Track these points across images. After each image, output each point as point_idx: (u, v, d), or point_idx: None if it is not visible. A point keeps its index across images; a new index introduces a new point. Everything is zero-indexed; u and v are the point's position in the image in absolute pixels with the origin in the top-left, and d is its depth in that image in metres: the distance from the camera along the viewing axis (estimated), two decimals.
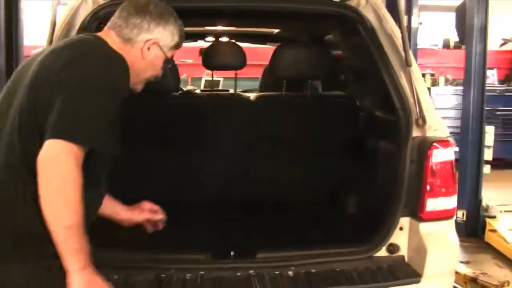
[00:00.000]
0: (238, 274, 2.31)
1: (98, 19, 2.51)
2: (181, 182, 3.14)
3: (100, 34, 1.90)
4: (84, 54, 1.73)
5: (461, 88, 6.89)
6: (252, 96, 3.46)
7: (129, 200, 2.20)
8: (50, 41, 2.38)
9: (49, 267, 1.59)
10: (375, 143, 2.91)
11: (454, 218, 2.53)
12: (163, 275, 2.25)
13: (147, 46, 1.88)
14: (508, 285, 3.90)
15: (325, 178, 3.12)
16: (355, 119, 3.22)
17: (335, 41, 3.97)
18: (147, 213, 2.23)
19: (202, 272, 2.29)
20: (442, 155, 2.43)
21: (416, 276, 2.34)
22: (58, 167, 1.52)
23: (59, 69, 1.64)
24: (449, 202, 2.46)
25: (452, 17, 8.58)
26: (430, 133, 2.49)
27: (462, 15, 5.26)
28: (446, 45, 9.05)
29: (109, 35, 1.86)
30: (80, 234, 1.54)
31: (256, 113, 3.26)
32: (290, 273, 2.33)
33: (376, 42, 2.64)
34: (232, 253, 2.44)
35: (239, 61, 3.24)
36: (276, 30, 4.49)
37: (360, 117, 3.22)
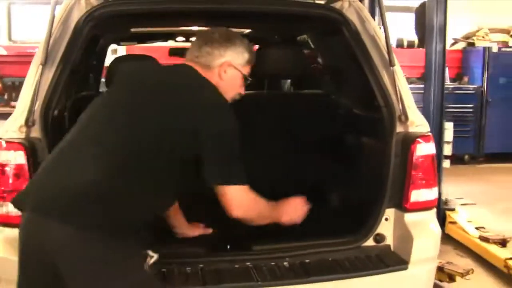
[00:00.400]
0: (236, 266, 2.42)
1: (92, 20, 2.57)
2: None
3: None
4: (212, 99, 2.10)
5: (415, 86, 7.23)
6: None
7: None
8: (48, 40, 2.41)
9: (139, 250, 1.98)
10: (359, 139, 3.06)
11: (435, 208, 2.70)
12: (164, 270, 2.33)
13: (223, 69, 2.20)
14: (472, 273, 4.14)
15: (310, 173, 3.25)
16: (336, 116, 3.37)
17: (305, 41, 4.13)
18: (200, 230, 2.68)
19: (201, 265, 2.39)
20: (424, 149, 2.61)
21: (403, 263, 2.50)
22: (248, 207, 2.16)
23: (197, 111, 2.02)
24: (431, 193, 2.64)
25: (404, 17, 9.00)
26: (412, 129, 2.67)
27: (421, 15, 5.50)
28: (400, 45, 9.38)
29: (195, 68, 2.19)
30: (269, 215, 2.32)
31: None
32: (286, 263, 2.46)
33: (360, 43, 2.79)
34: (228, 247, 2.54)
35: None
36: (247, 30, 4.59)
37: (341, 115, 3.36)
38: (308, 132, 3.30)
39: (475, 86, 8.90)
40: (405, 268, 2.49)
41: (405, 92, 2.71)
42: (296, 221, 2.45)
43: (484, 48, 8.91)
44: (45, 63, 2.42)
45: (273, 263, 2.45)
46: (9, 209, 2.30)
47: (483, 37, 9.27)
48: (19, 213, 2.19)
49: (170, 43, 5.55)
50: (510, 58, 9.14)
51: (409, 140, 2.60)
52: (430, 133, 2.68)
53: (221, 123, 2.05)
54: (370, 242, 2.62)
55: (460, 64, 9.37)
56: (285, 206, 2.42)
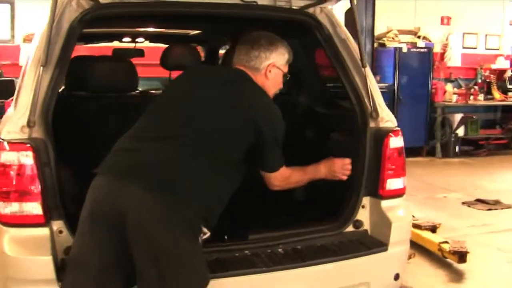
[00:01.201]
0: (237, 254, 2.61)
1: (85, 22, 2.64)
2: None
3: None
4: (267, 102, 2.52)
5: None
6: None
7: None
8: (49, 41, 2.47)
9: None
10: (335, 134, 3.32)
11: (405, 195, 3.03)
12: None
13: (269, 69, 2.57)
14: (414, 257, 4.58)
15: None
16: (301, 114, 3.62)
17: None
18: None
19: None
20: (395, 143, 2.93)
21: (383, 245, 2.81)
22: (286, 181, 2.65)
23: (252, 111, 2.40)
24: (401, 182, 2.97)
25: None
26: (382, 124, 2.98)
27: (351, 17, 5.88)
28: None
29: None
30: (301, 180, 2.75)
31: None
32: (280, 250, 2.70)
33: (333, 46, 3.06)
34: (226, 237, 2.73)
35: (194, 62, 3.50)
36: (194, 32, 4.73)
37: (307, 112, 3.62)
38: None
39: (387, 84, 9.54)
40: (386, 250, 2.79)
41: (375, 91, 3.02)
42: (336, 175, 2.85)
43: (395, 49, 9.58)
44: (45, 64, 2.47)
45: (269, 251, 2.68)
46: (15, 209, 2.37)
47: (392, 38, 9.95)
48: (24, 213, 2.30)
49: (115, 43, 5.57)
50: (418, 58, 9.91)
51: (382, 134, 2.91)
52: (398, 128, 2.99)
53: (273, 119, 2.46)
54: (350, 228, 2.91)
55: (373, 63, 10.00)
56: (318, 166, 2.83)
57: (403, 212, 2.95)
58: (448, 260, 4.66)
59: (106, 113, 3.29)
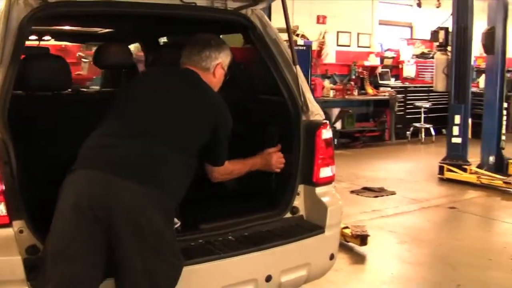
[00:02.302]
0: (192, 244, 2.79)
1: (34, 21, 2.66)
2: None
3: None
4: (222, 102, 2.73)
5: None
6: None
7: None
8: (4, 39, 2.48)
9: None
10: (270, 127, 3.55)
11: (334, 182, 3.36)
12: None
13: (217, 69, 2.81)
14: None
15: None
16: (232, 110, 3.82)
17: None
18: None
19: None
20: (326, 134, 3.24)
21: (320, 228, 3.11)
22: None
23: (211, 110, 2.67)
24: (331, 170, 3.29)
25: None
26: (312, 117, 3.28)
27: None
28: None
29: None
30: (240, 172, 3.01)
31: None
32: (231, 237, 2.91)
33: (265, 45, 3.31)
34: (179, 228, 2.88)
35: (127, 61, 3.59)
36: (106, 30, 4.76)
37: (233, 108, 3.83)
38: None
39: None
40: (323, 232, 3.10)
41: (305, 87, 3.31)
42: (272, 168, 3.14)
43: None
44: (1, 62, 2.48)
45: (220, 238, 2.88)
46: None
47: None
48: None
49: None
50: (299, 56, 10.38)
51: (314, 127, 3.20)
52: (327, 121, 3.31)
53: (227, 118, 2.72)
54: (288, 214, 3.18)
55: None
56: (256, 158, 3.10)
57: (334, 197, 3.28)
58: (350, 243, 5.12)
59: (41, 111, 3.28)
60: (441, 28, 8.66)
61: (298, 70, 3.31)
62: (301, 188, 3.23)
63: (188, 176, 2.57)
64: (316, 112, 3.32)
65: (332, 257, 3.18)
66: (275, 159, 3.14)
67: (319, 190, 3.21)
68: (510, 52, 8.58)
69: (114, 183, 2.29)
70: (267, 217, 3.13)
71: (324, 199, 3.18)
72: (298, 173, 3.20)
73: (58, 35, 4.95)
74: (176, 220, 2.49)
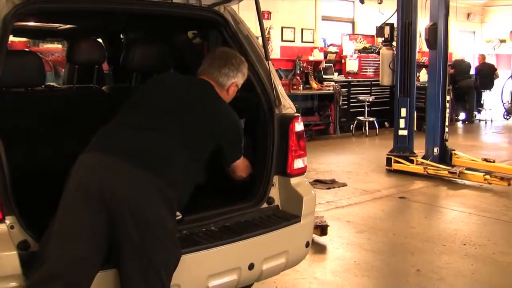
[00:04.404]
0: (178, 235, 2.89)
1: (17, 16, 2.70)
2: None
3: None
4: (234, 121, 2.99)
5: None
6: (104, 88, 3.86)
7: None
8: None
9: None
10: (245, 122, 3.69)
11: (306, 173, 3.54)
12: None
13: (232, 87, 3.04)
14: None
15: None
16: None
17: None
18: None
19: None
20: (298, 127, 3.41)
21: (297, 217, 3.27)
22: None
23: (220, 119, 2.90)
24: (303, 161, 3.46)
25: None
26: (285, 111, 3.44)
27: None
28: None
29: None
30: None
31: (111, 104, 3.70)
32: (213, 228, 3.04)
33: (238, 42, 3.44)
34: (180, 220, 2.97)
35: (99, 57, 3.64)
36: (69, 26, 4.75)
37: None
38: None
39: None
40: (299, 221, 3.27)
41: (277, 82, 3.47)
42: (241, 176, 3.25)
43: None
44: None
45: (203, 229, 3.00)
46: None
47: None
48: None
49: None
50: None
51: (287, 120, 3.36)
52: (298, 114, 3.48)
53: (238, 126, 3.02)
54: (264, 204, 3.33)
55: None
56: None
57: (308, 187, 3.45)
58: None
59: (16, 108, 3.31)
60: (387, 24, 9.00)
61: (271, 65, 3.46)
62: (275, 179, 3.39)
63: (195, 176, 2.78)
64: (288, 106, 3.48)
65: (307, 244, 3.36)
66: (243, 167, 3.25)
67: (293, 180, 3.38)
68: (451, 47, 9.02)
69: (124, 169, 2.44)
70: (245, 208, 3.26)
71: (299, 189, 3.35)
72: (272, 165, 3.35)
73: (18, 32, 4.90)
74: (178, 213, 2.67)
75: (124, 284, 2.46)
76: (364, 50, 13.86)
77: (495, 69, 15.97)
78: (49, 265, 2.32)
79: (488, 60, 16.72)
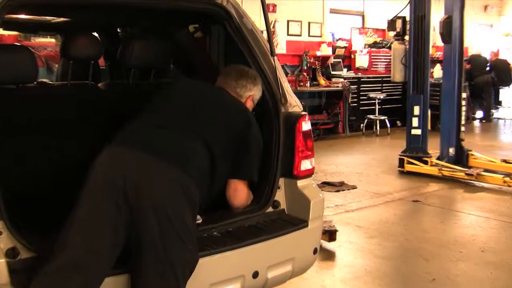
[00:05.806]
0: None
1: (7, 8, 2.68)
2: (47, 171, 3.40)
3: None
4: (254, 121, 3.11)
5: None
6: (100, 85, 3.84)
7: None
8: None
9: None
10: None
11: (313, 175, 3.51)
12: None
13: (249, 100, 3.21)
14: None
15: None
16: None
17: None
18: None
19: None
20: (305, 126, 3.39)
21: (304, 222, 3.25)
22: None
23: (243, 126, 3.03)
24: (311, 162, 3.43)
25: None
26: (291, 109, 3.41)
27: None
28: None
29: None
30: None
31: (107, 102, 3.69)
32: (215, 233, 3.02)
33: (242, 36, 3.41)
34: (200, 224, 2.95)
35: (96, 52, 3.63)
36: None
37: None
38: None
39: None
40: (306, 226, 3.24)
41: (283, 79, 3.44)
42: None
43: None
44: None
45: (205, 235, 2.98)
46: None
47: None
48: None
49: None
50: None
51: (294, 118, 3.34)
52: (305, 112, 3.46)
53: (258, 135, 3.11)
54: (270, 208, 3.31)
55: None
56: None
57: (315, 189, 3.43)
58: None
59: (6, 106, 3.29)
60: (398, 17, 8.96)
61: (276, 61, 3.44)
62: (281, 181, 3.36)
63: (219, 183, 2.94)
64: (294, 104, 3.45)
65: (315, 251, 3.33)
66: (243, 196, 3.23)
67: (300, 183, 3.35)
68: (467, 41, 8.97)
69: (150, 165, 2.55)
70: (249, 212, 3.24)
71: (306, 192, 3.32)
72: (278, 167, 3.32)
73: (8, 25, 4.90)
74: (198, 216, 2.75)
75: (137, 279, 2.51)
76: (374, 44, 13.82)
77: (509, 64, 15.83)
78: (71, 254, 2.38)
79: (506, 55, 16.63)
